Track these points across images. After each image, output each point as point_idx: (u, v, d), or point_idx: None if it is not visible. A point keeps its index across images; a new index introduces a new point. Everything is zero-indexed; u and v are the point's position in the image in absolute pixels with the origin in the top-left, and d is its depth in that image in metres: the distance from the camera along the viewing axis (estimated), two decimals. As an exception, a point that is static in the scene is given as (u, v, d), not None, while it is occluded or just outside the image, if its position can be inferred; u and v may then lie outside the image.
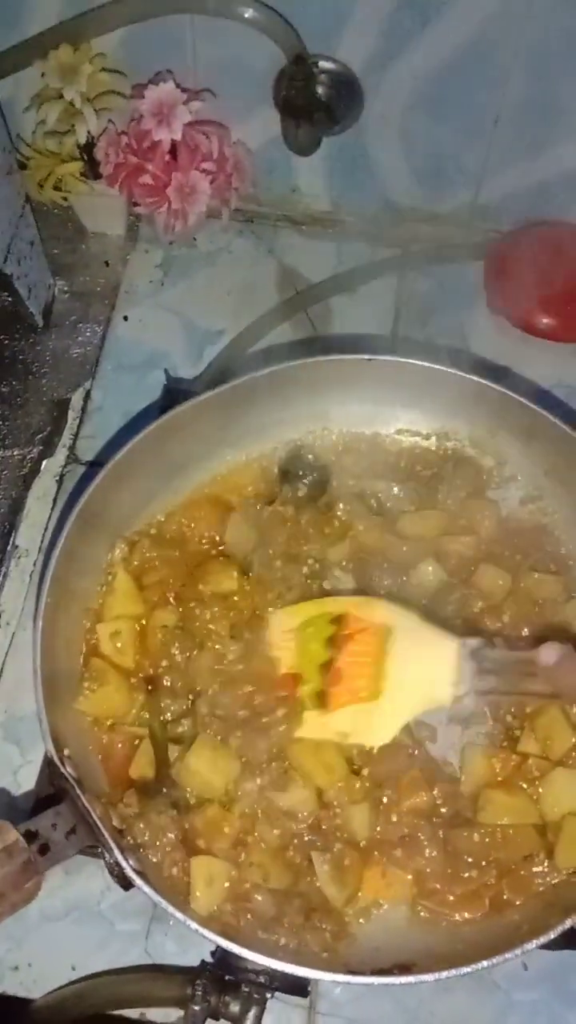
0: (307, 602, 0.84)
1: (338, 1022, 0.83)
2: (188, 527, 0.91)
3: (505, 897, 0.76)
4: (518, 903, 0.75)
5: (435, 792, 0.78)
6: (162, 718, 0.81)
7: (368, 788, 0.79)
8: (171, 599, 0.86)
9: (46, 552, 0.98)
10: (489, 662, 0.74)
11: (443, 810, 0.78)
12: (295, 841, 0.78)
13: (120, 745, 0.82)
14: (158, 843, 0.72)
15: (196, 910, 0.73)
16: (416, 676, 0.76)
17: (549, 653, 0.70)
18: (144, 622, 0.86)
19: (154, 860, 0.73)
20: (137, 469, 0.86)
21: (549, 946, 0.72)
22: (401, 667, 0.77)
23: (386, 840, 0.78)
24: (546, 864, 0.76)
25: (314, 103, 1.01)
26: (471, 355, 1.08)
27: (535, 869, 0.76)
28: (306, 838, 0.78)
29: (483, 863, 0.76)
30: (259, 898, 0.73)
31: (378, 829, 0.78)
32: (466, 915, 0.75)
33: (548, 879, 0.76)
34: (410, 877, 0.76)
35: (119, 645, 0.85)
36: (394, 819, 0.77)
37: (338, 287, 1.14)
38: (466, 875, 0.76)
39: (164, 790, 0.76)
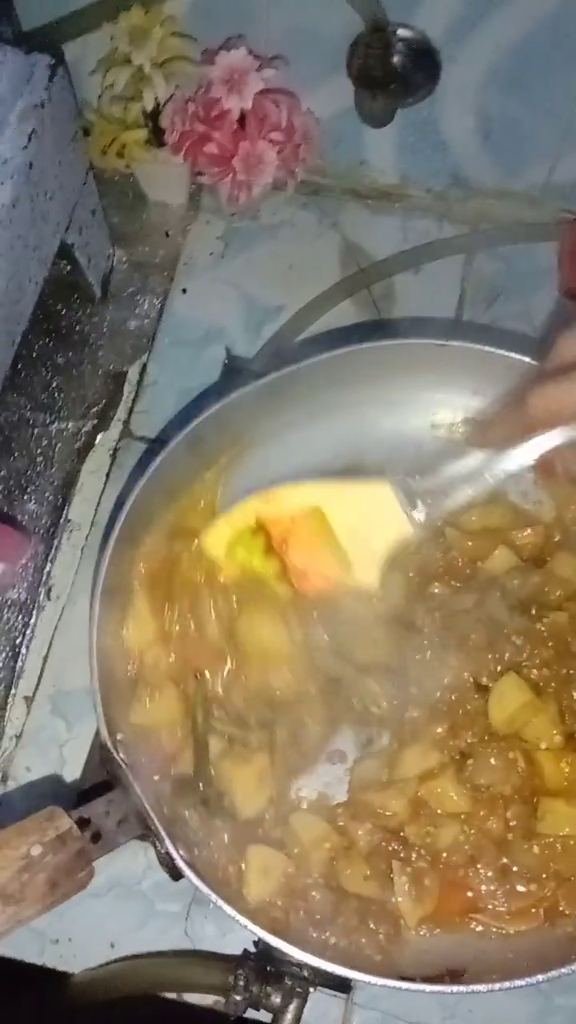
0: (211, 529, 0.81)
1: (375, 1015, 0.82)
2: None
3: (561, 908, 0.74)
4: (574, 915, 0.73)
5: (508, 814, 0.76)
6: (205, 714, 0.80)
7: (469, 802, 0.77)
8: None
9: (102, 527, 0.97)
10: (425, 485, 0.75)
11: (510, 836, 0.76)
12: (380, 844, 0.76)
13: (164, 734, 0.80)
14: (212, 842, 0.71)
15: (247, 897, 0.73)
16: (371, 528, 0.76)
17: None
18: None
19: (206, 857, 0.72)
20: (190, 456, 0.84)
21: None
22: (353, 531, 0.77)
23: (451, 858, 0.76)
24: (604, 876, 0.74)
25: (391, 73, 0.97)
26: (539, 341, 1.04)
27: (593, 880, 0.74)
28: (390, 847, 0.76)
29: (542, 876, 0.74)
30: (316, 896, 0.72)
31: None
32: (521, 928, 0.73)
33: None
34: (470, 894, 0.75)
35: (170, 664, 0.83)
36: (461, 839, 0.75)
37: (402, 265, 1.11)
38: (523, 890, 0.74)
39: (200, 786, 0.75)
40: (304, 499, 0.77)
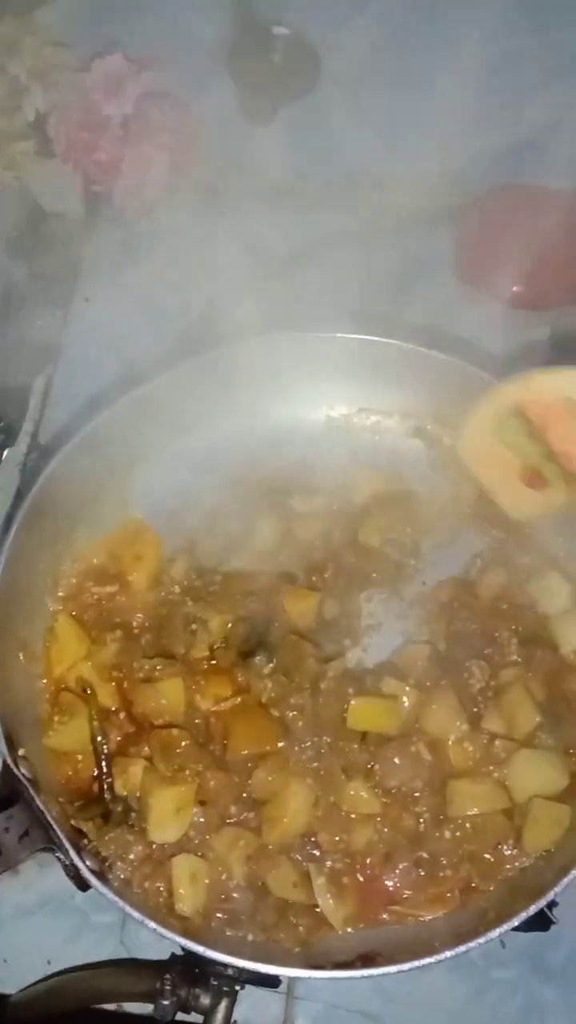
0: (477, 410, 0.78)
1: (317, 1006, 0.83)
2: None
3: (473, 885, 0.75)
4: (486, 890, 0.74)
5: (419, 808, 0.76)
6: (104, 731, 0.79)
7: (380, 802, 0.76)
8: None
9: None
10: None
11: (422, 829, 0.76)
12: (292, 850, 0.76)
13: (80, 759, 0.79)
14: (124, 858, 0.71)
15: (183, 910, 0.72)
16: None
17: None
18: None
19: (123, 876, 0.72)
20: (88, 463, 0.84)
21: (519, 928, 0.72)
22: None
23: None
24: (514, 849, 0.75)
25: (269, 71, 0.98)
26: (438, 327, 1.05)
27: (504, 854, 0.75)
28: (304, 849, 0.76)
29: (455, 860, 0.75)
30: (236, 896, 0.72)
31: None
32: (439, 913, 0.74)
33: (516, 864, 0.75)
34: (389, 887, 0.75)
35: (88, 691, 0.81)
36: (375, 838, 0.75)
37: (304, 260, 1.12)
38: (440, 875, 0.74)
39: (105, 800, 0.74)
40: (562, 386, 0.74)
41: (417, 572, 0.88)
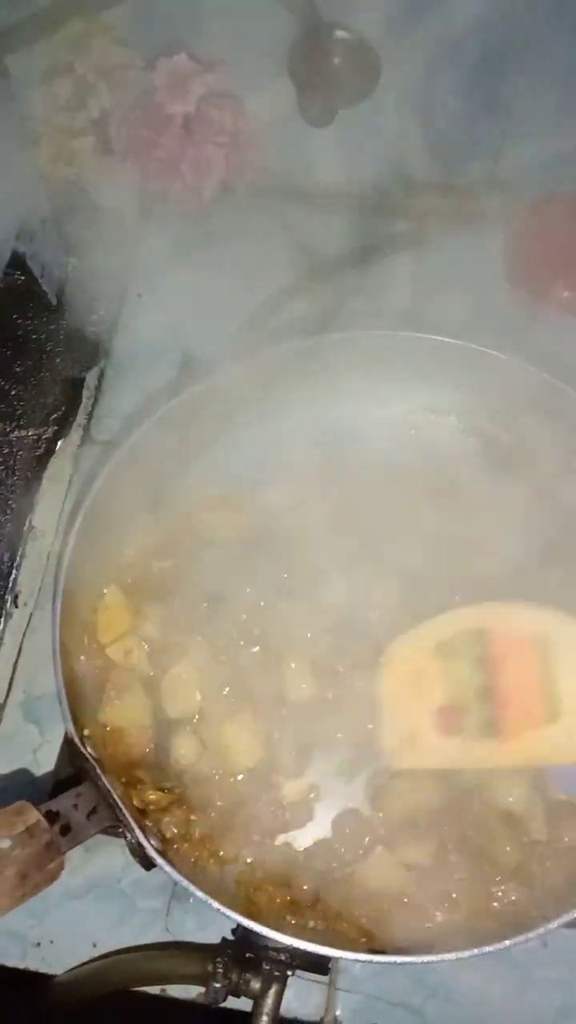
0: (434, 622, 0.74)
1: (358, 998, 0.83)
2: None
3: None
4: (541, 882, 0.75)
5: None
6: None
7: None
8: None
9: (64, 532, 0.98)
10: None
11: None
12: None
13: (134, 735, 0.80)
14: (186, 837, 0.72)
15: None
16: None
17: None
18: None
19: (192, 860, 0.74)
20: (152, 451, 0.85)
21: (570, 924, 0.72)
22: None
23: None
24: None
25: (329, 74, 1.00)
26: (490, 330, 1.06)
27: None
28: None
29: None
30: (304, 887, 0.74)
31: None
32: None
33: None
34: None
35: (136, 662, 0.83)
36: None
37: (353, 262, 1.13)
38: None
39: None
40: (538, 624, 0.70)
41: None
